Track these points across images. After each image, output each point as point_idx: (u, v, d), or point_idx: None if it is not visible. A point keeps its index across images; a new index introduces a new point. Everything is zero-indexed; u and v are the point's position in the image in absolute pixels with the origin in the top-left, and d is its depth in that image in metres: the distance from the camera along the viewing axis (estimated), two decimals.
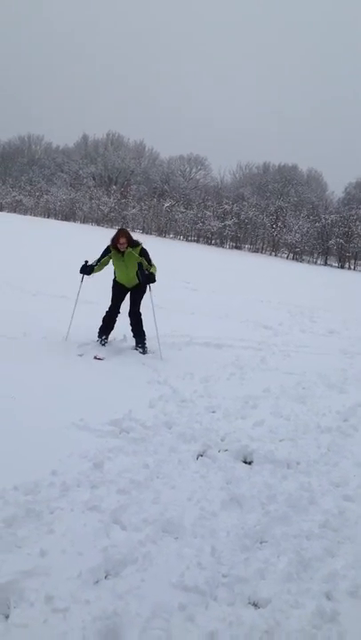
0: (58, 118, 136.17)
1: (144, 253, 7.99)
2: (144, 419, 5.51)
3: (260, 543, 3.66)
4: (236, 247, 68.24)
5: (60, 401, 5.65)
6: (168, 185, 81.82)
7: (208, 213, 67.90)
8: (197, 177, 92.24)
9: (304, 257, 65.31)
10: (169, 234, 73.12)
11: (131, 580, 3.10)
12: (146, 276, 7.98)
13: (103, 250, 8.06)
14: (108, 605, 2.87)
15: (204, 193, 78.14)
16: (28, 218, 64.53)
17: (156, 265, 8.12)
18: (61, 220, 75.53)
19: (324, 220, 62.87)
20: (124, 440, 4.97)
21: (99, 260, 8.04)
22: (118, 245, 7.80)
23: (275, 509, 4.10)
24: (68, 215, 79.07)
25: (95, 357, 7.41)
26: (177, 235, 72.96)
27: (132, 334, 8.32)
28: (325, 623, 3.00)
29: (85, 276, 8.17)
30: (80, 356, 7.52)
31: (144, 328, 8.31)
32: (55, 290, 12.63)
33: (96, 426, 5.13)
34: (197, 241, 70.03)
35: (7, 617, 2.74)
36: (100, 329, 8.19)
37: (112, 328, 8.20)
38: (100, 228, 67.30)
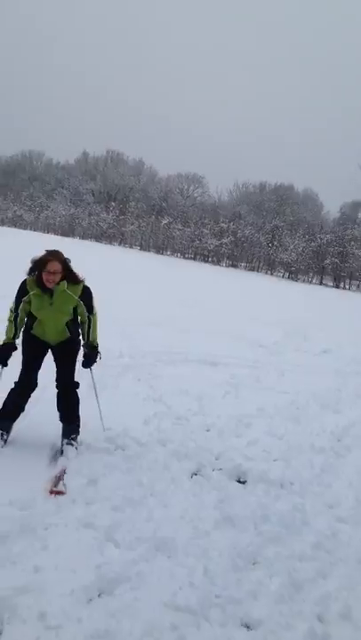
0: (59, 135, 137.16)
1: (87, 296, 4.97)
2: (139, 436, 5.51)
3: (253, 564, 3.66)
4: (233, 265, 68.50)
5: (55, 417, 5.64)
6: (166, 202, 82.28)
7: (205, 231, 68.23)
8: (195, 195, 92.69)
9: (300, 276, 65.53)
10: (166, 251, 73.37)
11: (123, 599, 3.10)
12: (91, 355, 5.15)
13: (17, 290, 4.89)
14: (101, 624, 2.87)
15: (202, 211, 78.49)
16: (27, 232, 64.72)
17: (97, 314, 5.12)
18: (61, 235, 75.74)
19: (319, 240, 63.16)
20: (119, 457, 4.97)
21: (16, 310, 4.88)
22: (45, 278, 4.66)
23: (268, 530, 4.10)
24: (67, 231, 79.31)
25: None
26: (174, 252, 73.21)
27: (59, 417, 5.12)
28: None
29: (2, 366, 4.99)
30: None
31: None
32: None
33: (91, 442, 5.14)
34: (194, 258, 70.29)
35: (0, 633, 2.73)
36: (1, 412, 4.96)
37: (22, 410, 5.04)
38: (99, 244, 67.51)
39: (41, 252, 4.77)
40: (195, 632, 2.94)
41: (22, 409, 5.02)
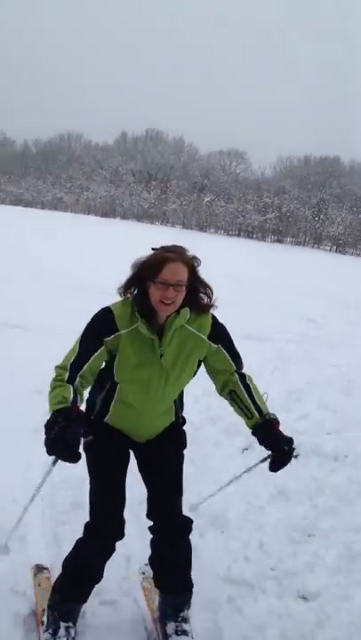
0: (97, 116, 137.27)
1: (223, 333, 2.63)
2: (188, 414, 5.47)
3: (309, 536, 3.63)
4: (278, 240, 67.73)
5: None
6: (208, 180, 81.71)
7: (249, 207, 67.61)
8: (237, 171, 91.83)
9: (348, 249, 64.34)
10: (210, 228, 73.02)
11: None
12: (285, 448, 2.71)
13: (87, 328, 2.42)
14: None
15: (245, 187, 77.66)
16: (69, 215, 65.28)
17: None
18: (101, 216, 76.09)
19: None
20: None
21: (80, 367, 2.34)
22: (160, 296, 2.28)
23: (323, 502, 4.06)
24: (108, 212, 79.75)
25: None
26: (218, 229, 72.81)
27: (156, 581, 2.73)
28: None
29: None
30: None
31: None
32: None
33: None
34: (238, 235, 69.77)
35: None
36: (62, 586, 2.56)
37: (100, 578, 2.59)
38: (140, 224, 67.65)
39: (148, 251, 2.40)
40: (251, 604, 2.94)
41: (101, 575, 2.60)
